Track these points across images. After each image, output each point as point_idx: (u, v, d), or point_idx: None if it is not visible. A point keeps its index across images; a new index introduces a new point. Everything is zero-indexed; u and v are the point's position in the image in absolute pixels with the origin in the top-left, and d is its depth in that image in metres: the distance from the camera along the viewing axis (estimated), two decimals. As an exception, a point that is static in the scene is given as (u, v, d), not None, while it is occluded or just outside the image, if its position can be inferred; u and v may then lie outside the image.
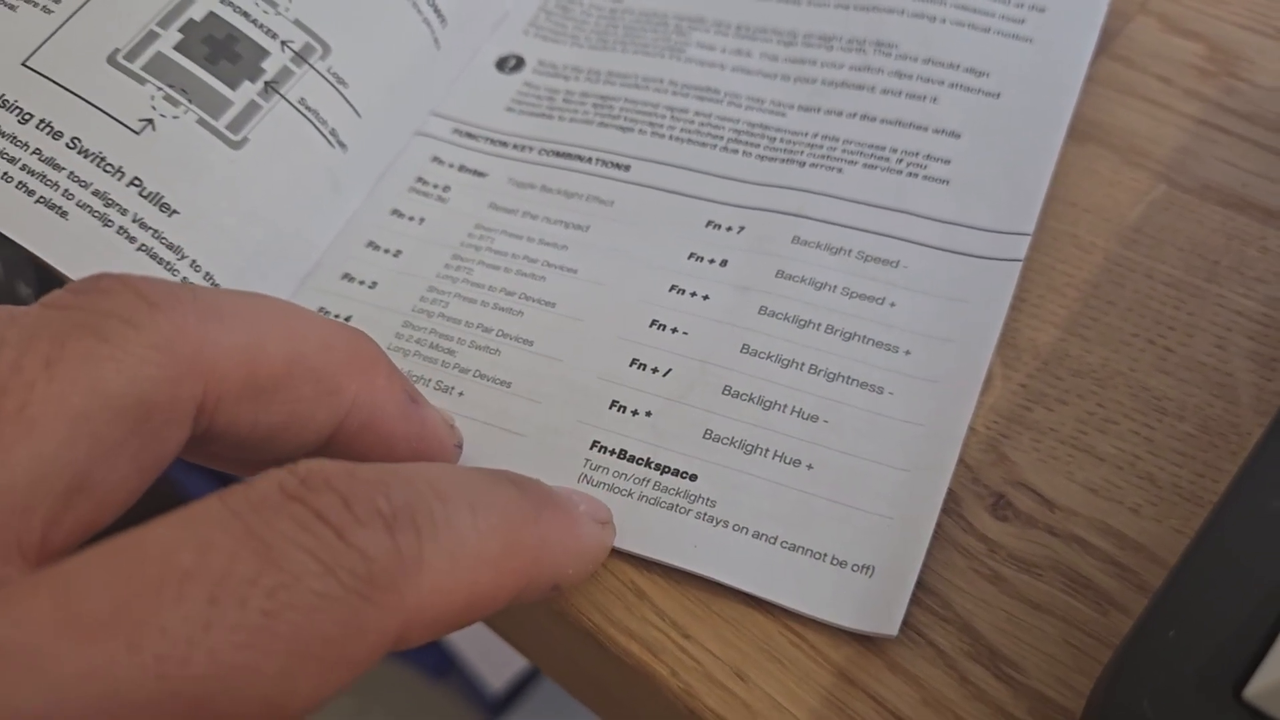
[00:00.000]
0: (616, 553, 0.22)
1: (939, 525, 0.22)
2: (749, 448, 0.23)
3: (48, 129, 0.24)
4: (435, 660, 0.85)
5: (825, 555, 0.22)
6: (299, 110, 0.27)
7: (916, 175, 0.27)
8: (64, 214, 0.24)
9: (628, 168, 0.28)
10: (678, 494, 0.23)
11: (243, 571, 0.14)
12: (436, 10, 0.30)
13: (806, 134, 0.28)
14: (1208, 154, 0.27)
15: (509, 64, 0.32)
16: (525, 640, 0.27)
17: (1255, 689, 0.16)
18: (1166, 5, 0.30)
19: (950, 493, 0.22)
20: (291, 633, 0.14)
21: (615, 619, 0.22)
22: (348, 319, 0.26)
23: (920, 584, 0.21)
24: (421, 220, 0.28)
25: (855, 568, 0.21)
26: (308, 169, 0.27)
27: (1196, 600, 0.18)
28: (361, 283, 0.27)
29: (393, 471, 0.17)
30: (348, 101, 0.28)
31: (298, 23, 0.27)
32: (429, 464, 0.21)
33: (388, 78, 0.29)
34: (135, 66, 0.25)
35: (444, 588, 0.16)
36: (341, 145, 0.28)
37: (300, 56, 0.27)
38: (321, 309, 0.27)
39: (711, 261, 0.26)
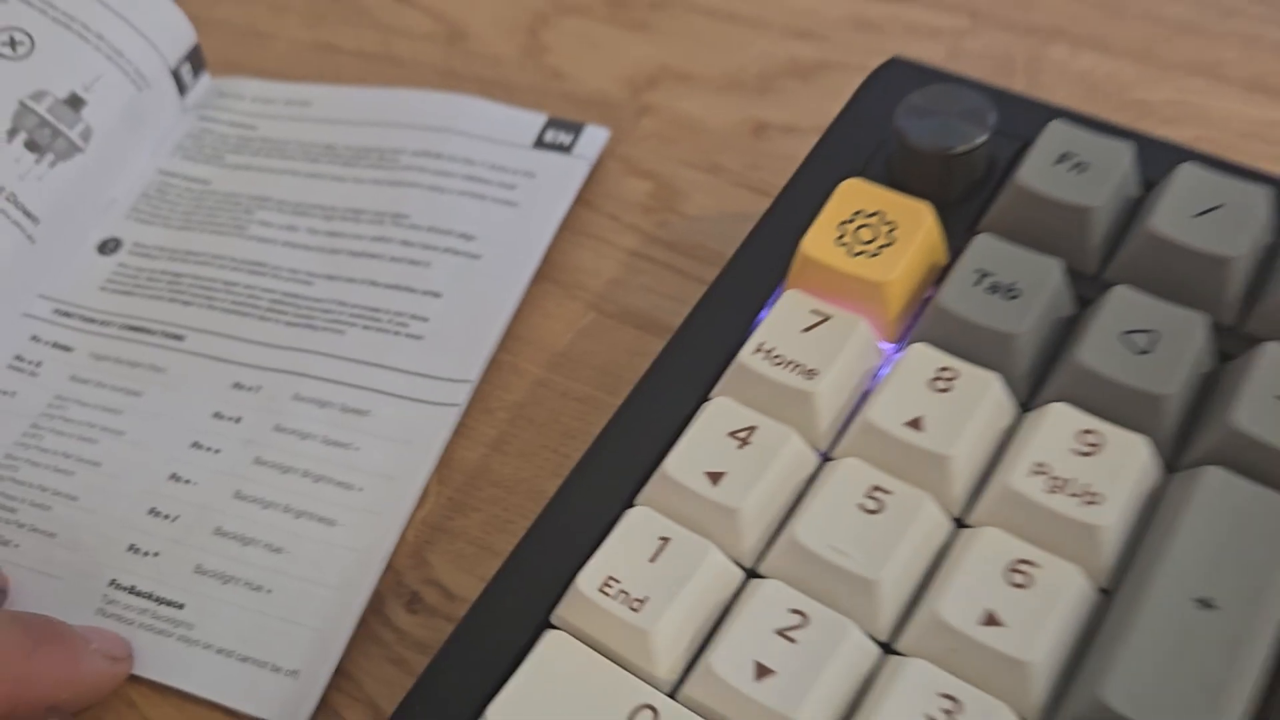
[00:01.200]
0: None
1: (366, 623, 0.28)
2: (226, 578, 0.29)
3: None
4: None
5: (267, 663, 0.28)
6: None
7: (399, 333, 0.33)
8: None
9: (182, 338, 0.34)
10: (167, 620, 0.29)
11: None
12: (27, 214, 0.36)
13: (325, 300, 0.34)
14: (633, 282, 0.34)
15: (109, 246, 0.38)
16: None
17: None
18: (630, 149, 0.37)
19: (377, 594, 0.29)
20: None
21: (110, 728, 0.28)
22: (-63, 489, 0.32)
23: (344, 674, 0.28)
24: (13, 394, 0.34)
25: (287, 672, 0.28)
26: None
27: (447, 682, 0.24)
28: (-47, 455, 0.33)
29: None
30: (-56, 299, 0.34)
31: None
32: None
33: (-22, 277, 0.35)
34: None
35: None
36: (-64, 340, 0.34)
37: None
38: (-84, 482, 0.32)
39: (229, 419, 0.32)
